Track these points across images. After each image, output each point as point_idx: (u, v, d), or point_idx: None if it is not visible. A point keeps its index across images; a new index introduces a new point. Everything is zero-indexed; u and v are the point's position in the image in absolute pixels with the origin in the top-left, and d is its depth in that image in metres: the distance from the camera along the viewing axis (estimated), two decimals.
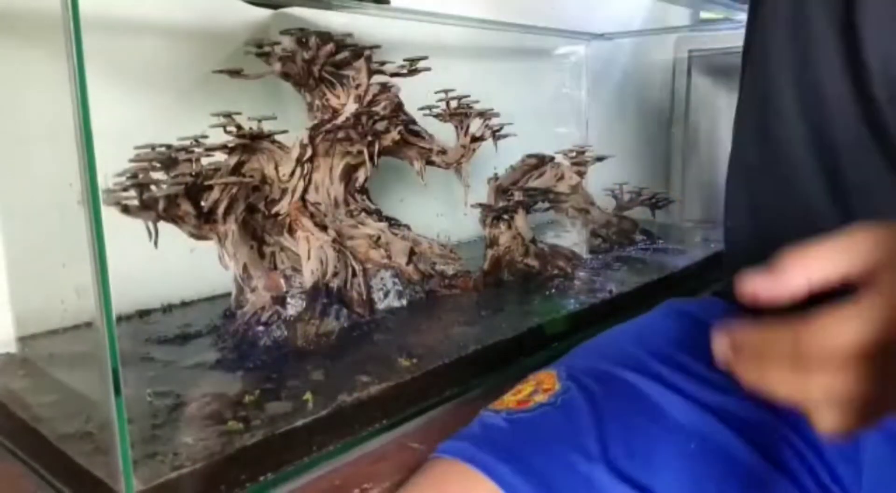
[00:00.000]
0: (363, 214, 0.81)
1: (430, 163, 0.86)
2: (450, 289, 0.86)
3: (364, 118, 0.75)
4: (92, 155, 0.40)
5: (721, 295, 0.71)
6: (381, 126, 0.77)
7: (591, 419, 0.53)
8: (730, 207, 0.70)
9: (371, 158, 0.77)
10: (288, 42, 0.75)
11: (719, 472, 0.51)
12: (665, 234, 1.22)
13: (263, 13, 0.90)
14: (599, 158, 1.11)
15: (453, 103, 0.88)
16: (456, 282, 0.87)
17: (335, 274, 0.73)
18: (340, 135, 0.75)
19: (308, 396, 0.56)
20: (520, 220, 0.95)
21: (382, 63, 0.78)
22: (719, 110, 1.56)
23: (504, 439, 0.52)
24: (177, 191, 0.63)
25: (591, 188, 1.16)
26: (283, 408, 0.55)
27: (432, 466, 0.53)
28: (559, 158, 1.04)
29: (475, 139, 0.86)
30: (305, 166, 0.74)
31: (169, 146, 0.64)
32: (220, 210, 0.67)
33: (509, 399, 0.57)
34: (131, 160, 0.61)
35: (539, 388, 0.57)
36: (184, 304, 0.85)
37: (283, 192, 0.74)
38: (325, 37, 0.75)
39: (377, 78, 0.78)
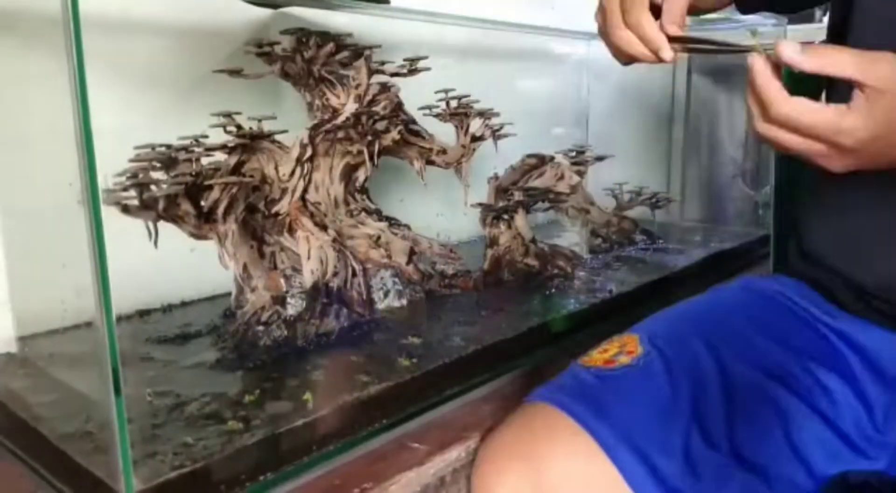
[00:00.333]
0: (363, 213, 0.81)
1: (430, 163, 0.86)
2: (450, 289, 0.86)
3: (364, 118, 0.75)
4: (92, 155, 0.40)
5: (786, 273, 0.74)
6: (381, 126, 0.77)
7: (666, 380, 0.59)
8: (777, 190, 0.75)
9: (371, 157, 0.77)
10: (288, 42, 0.75)
11: (760, 417, 0.59)
12: (665, 234, 1.22)
13: (263, 13, 0.90)
14: (599, 158, 1.11)
15: (453, 103, 0.88)
16: (456, 282, 0.87)
17: (335, 274, 0.73)
18: (340, 135, 0.75)
19: (308, 396, 0.56)
20: (520, 220, 0.95)
21: (382, 63, 0.78)
22: (719, 110, 1.55)
23: (590, 390, 0.59)
24: (177, 191, 0.63)
25: (591, 188, 1.16)
26: (283, 408, 0.55)
27: (523, 409, 0.60)
28: (559, 158, 1.04)
29: (475, 139, 0.86)
30: (305, 166, 0.74)
31: (169, 146, 0.64)
32: (220, 210, 0.67)
33: (597, 357, 0.63)
34: (131, 160, 0.61)
35: (623, 350, 0.63)
36: (184, 304, 0.85)
37: (283, 191, 0.74)
38: (325, 37, 0.75)
39: (377, 78, 0.78)
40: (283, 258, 0.74)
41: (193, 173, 0.64)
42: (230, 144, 0.69)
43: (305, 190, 0.75)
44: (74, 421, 0.54)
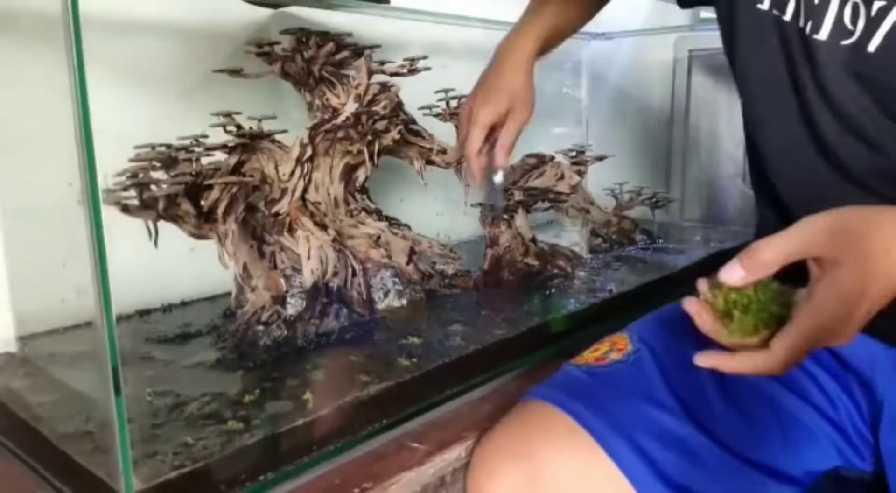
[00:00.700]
0: (363, 213, 0.81)
1: (430, 162, 0.86)
2: (450, 288, 0.86)
3: (364, 118, 0.75)
4: (92, 155, 0.40)
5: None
6: (380, 126, 0.77)
7: (657, 374, 0.61)
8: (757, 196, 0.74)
9: (371, 157, 0.77)
10: (288, 42, 0.75)
11: (756, 413, 0.60)
12: (665, 234, 1.22)
13: (263, 13, 0.90)
14: (599, 158, 1.11)
15: (453, 103, 0.88)
16: (456, 282, 0.87)
17: (335, 274, 0.73)
18: (340, 134, 0.75)
19: (308, 395, 0.56)
20: (520, 219, 0.95)
21: (382, 63, 0.78)
22: (719, 110, 1.55)
23: (582, 386, 0.60)
24: (177, 190, 0.63)
25: (591, 188, 1.16)
26: (284, 408, 0.55)
27: (517, 408, 0.61)
28: (559, 158, 1.04)
29: None
30: (305, 166, 0.74)
31: (169, 146, 0.64)
32: (220, 210, 0.67)
33: (588, 356, 0.65)
34: (131, 160, 0.61)
35: (614, 348, 0.65)
36: (184, 303, 0.85)
37: (283, 191, 0.74)
38: (324, 36, 0.75)
39: (377, 78, 0.78)
40: (283, 258, 0.74)
41: (193, 173, 0.64)
42: (230, 144, 0.69)
43: (305, 190, 0.75)
44: (74, 421, 0.54)
